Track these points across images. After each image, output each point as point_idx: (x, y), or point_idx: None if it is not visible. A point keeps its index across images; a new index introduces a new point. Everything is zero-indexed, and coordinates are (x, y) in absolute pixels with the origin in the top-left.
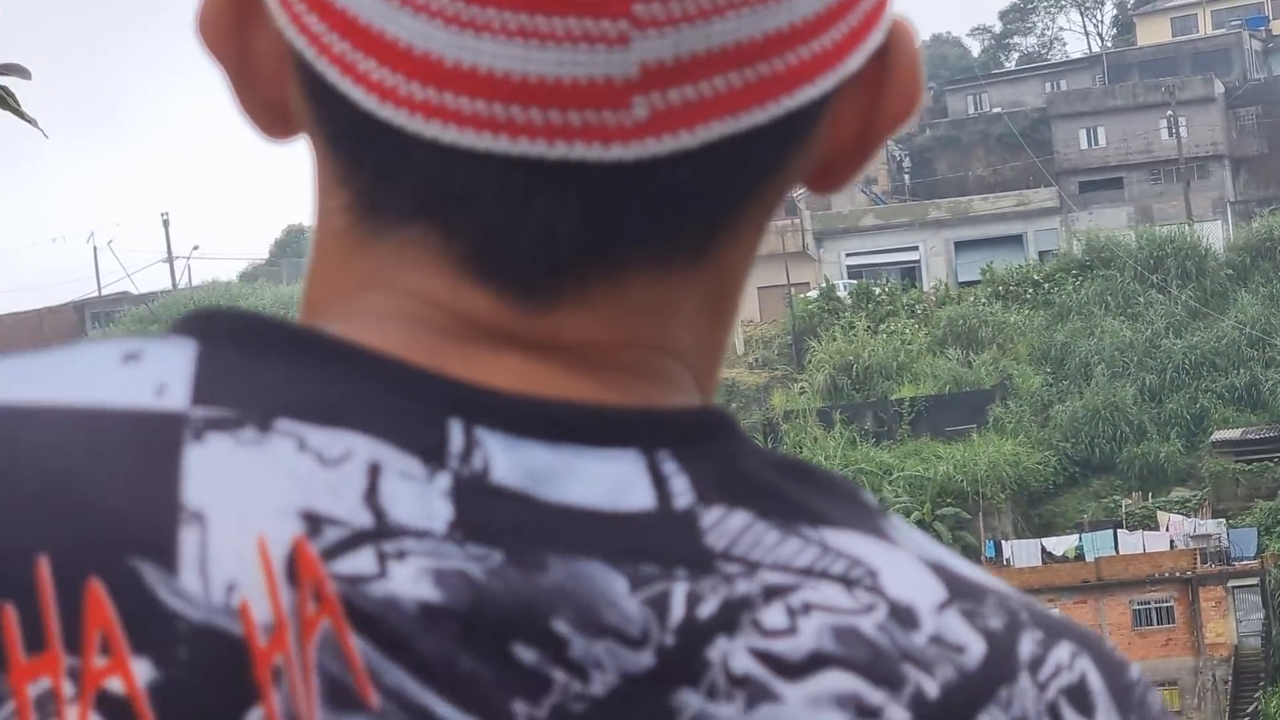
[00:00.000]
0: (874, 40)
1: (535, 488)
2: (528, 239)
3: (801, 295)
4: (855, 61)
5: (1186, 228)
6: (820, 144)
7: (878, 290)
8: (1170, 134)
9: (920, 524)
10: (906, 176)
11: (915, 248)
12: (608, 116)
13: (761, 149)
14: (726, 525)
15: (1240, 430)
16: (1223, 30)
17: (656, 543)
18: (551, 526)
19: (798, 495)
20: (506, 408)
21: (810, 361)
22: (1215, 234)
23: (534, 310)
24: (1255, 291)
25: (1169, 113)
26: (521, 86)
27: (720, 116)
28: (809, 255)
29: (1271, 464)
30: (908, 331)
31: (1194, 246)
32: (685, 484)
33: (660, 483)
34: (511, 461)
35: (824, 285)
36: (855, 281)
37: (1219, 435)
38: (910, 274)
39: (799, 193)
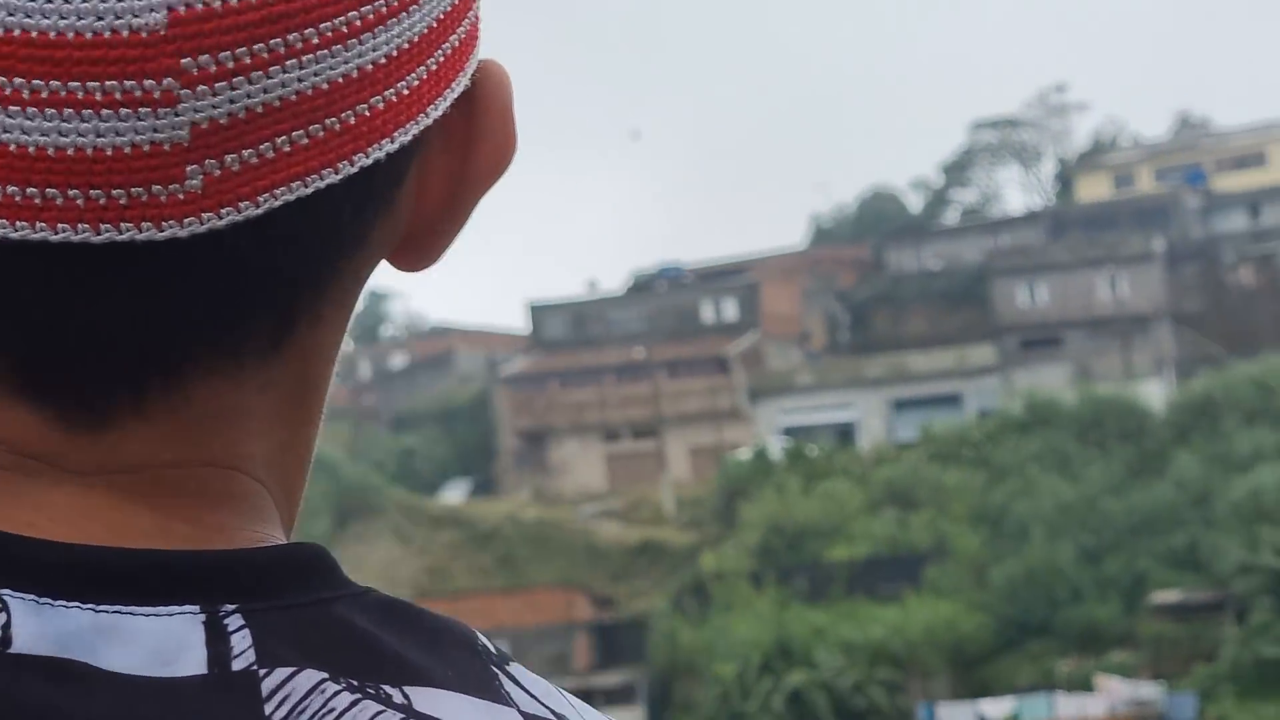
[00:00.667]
0: (460, 85)
1: (70, 656)
2: (74, 344)
3: (733, 455)
4: (438, 110)
5: (1126, 387)
6: (406, 208)
7: (813, 450)
8: (1111, 291)
9: (855, 687)
10: (844, 332)
11: (852, 406)
12: (159, 190)
13: (338, 216)
14: (291, 688)
15: (1180, 592)
16: (1162, 187)
17: (206, 714)
18: (86, 702)
19: (393, 648)
20: (40, 565)
21: (742, 522)
22: (1155, 393)
23: (87, 430)
24: (1195, 452)
25: (1109, 270)
26: (57, 163)
27: (286, 181)
28: (742, 414)
29: (1211, 627)
30: (843, 492)
31: (1133, 406)
32: (247, 642)
33: (218, 641)
34: (42, 628)
35: (757, 445)
36: (789, 441)
37: (1158, 597)
38: (846, 433)
39: (732, 350)
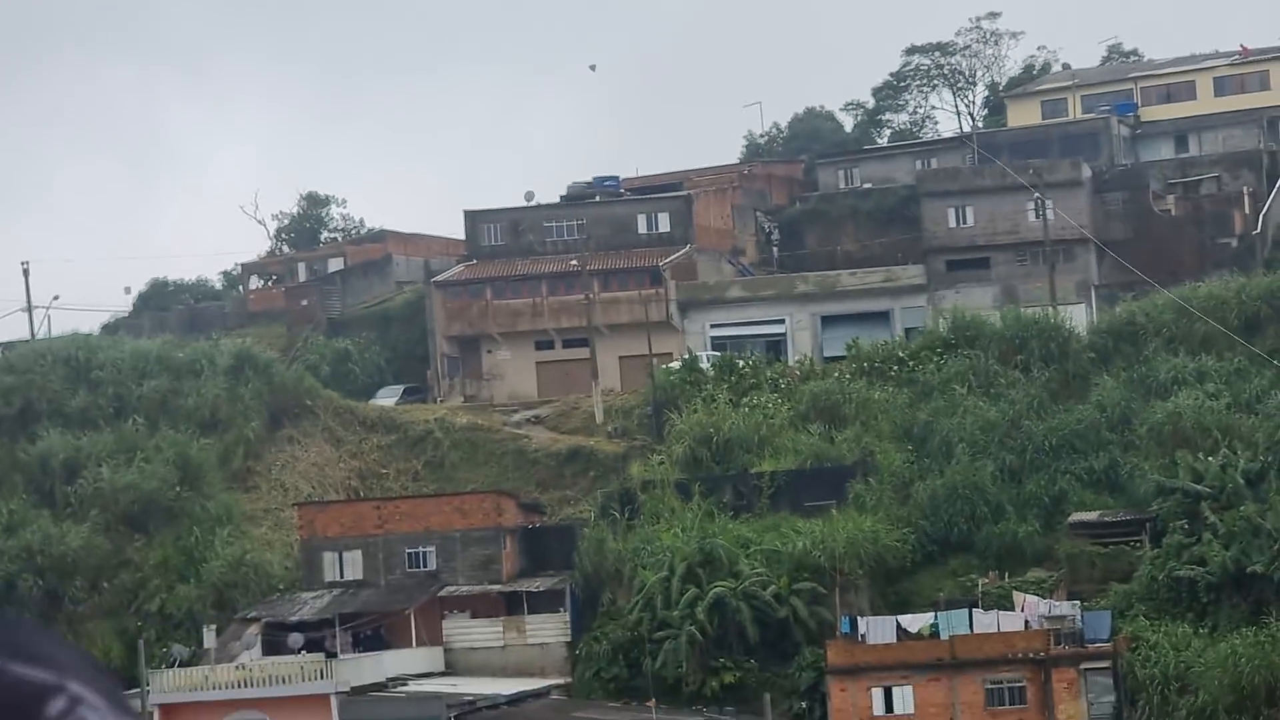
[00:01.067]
0: None
1: None
2: None
3: (663, 366)
4: None
5: (1051, 310)
6: None
7: (741, 363)
8: (1037, 216)
9: (777, 597)
10: (775, 249)
11: (781, 321)
12: None
13: None
14: None
15: (1098, 513)
16: (1092, 115)
17: None
18: None
19: None
20: None
21: (670, 433)
22: (1079, 317)
23: None
24: (1116, 375)
25: (1036, 195)
26: None
27: None
28: (673, 325)
29: (1127, 547)
30: (770, 405)
31: (1057, 329)
32: None
33: None
34: None
35: (687, 356)
36: (719, 353)
37: (1076, 517)
38: (775, 346)
39: (665, 262)
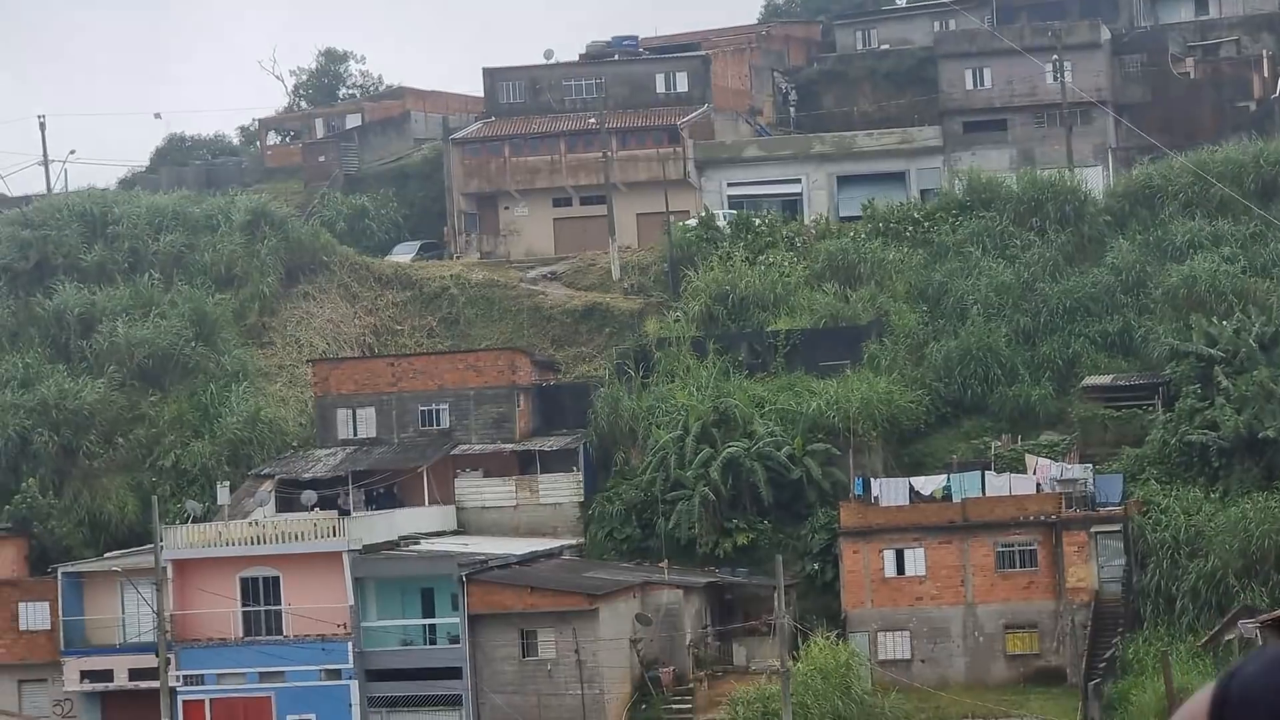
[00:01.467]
0: None
1: None
2: None
3: (680, 223)
4: None
5: (1067, 173)
6: None
7: (757, 221)
8: (1055, 78)
9: (791, 458)
10: (791, 109)
11: (798, 180)
12: None
13: None
14: None
15: (1111, 376)
16: None
17: None
18: None
19: None
20: None
21: (686, 290)
22: (1095, 180)
23: None
24: (1132, 238)
25: (1055, 57)
26: None
27: None
28: (690, 184)
29: (1140, 410)
30: (786, 264)
31: (1074, 192)
32: None
33: None
34: None
35: (703, 214)
36: (735, 212)
37: (1090, 380)
38: (791, 206)
39: (683, 121)
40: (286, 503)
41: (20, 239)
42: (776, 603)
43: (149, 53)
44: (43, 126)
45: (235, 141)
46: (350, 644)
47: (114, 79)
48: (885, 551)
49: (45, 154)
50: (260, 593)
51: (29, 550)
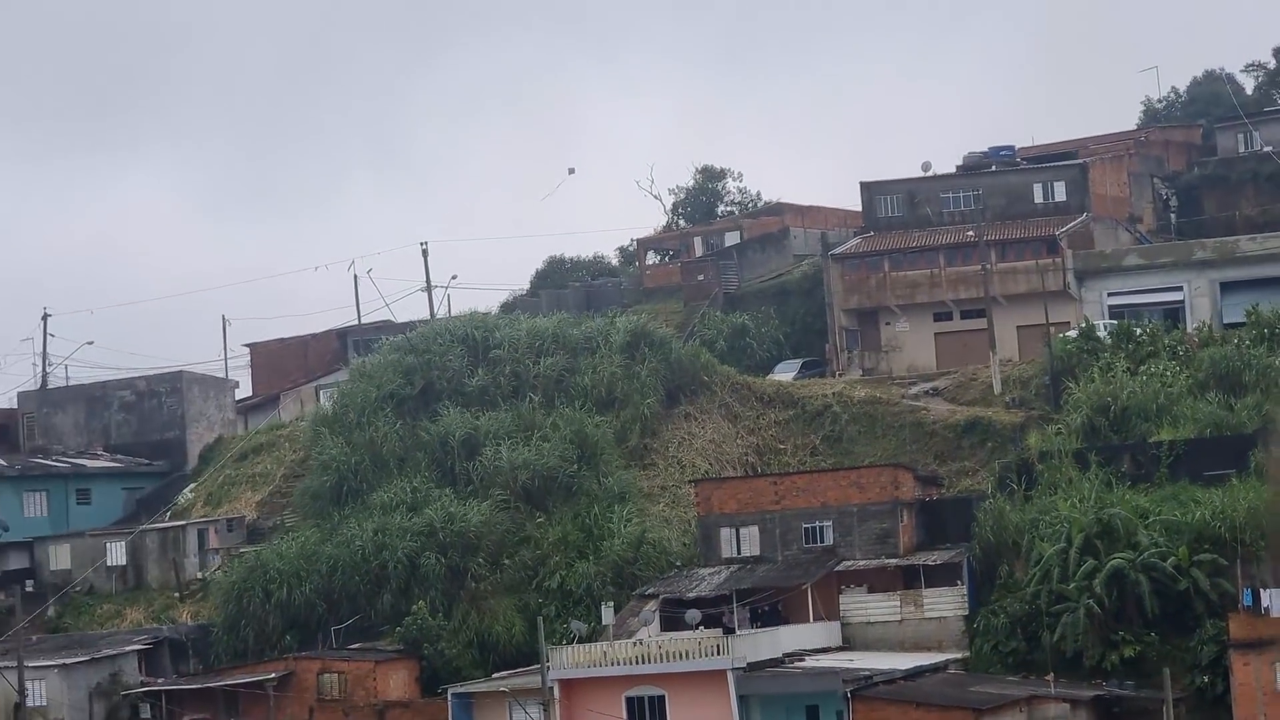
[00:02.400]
0: None
1: None
2: None
3: (1061, 335)
4: None
5: None
6: None
7: (1139, 331)
8: None
9: (1177, 569)
10: (1172, 215)
11: (1179, 288)
12: None
13: None
14: None
15: None
16: None
17: None
18: None
19: None
20: None
21: (1068, 402)
22: None
23: None
24: None
25: None
26: None
27: None
28: (1070, 294)
29: None
30: (1168, 373)
31: None
32: None
33: None
34: None
35: (1084, 325)
36: (1116, 321)
37: None
38: (1173, 315)
39: (1061, 230)
40: (671, 622)
41: (406, 365)
42: (1165, 716)
43: (533, 177)
44: (425, 253)
45: (614, 262)
46: None
47: (496, 204)
48: (1277, 664)
49: (428, 280)
50: (646, 711)
51: (420, 672)
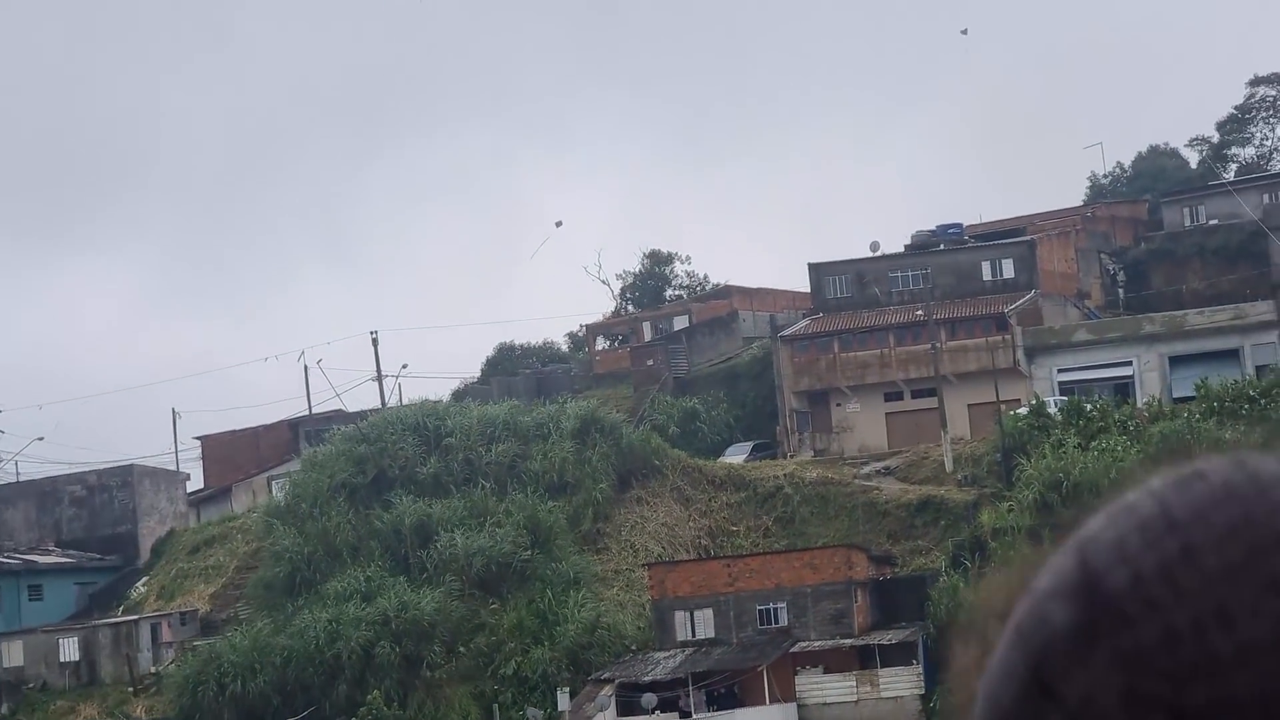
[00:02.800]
0: None
1: None
2: None
3: (1011, 412)
4: None
5: None
6: None
7: (1089, 406)
8: None
9: None
10: (1120, 290)
11: (1129, 363)
12: None
13: None
14: None
15: None
16: None
17: None
18: None
19: None
20: None
21: (1020, 478)
22: None
23: None
24: None
25: None
26: None
27: None
28: (1020, 371)
29: None
30: (1120, 448)
31: None
32: None
33: None
34: None
35: (1034, 401)
36: (1066, 397)
37: None
38: (1123, 389)
39: (1010, 308)
40: (627, 706)
41: (358, 454)
42: None
43: (480, 264)
44: (375, 343)
45: (564, 348)
46: None
47: (446, 293)
48: None
49: (379, 369)
50: None
51: None
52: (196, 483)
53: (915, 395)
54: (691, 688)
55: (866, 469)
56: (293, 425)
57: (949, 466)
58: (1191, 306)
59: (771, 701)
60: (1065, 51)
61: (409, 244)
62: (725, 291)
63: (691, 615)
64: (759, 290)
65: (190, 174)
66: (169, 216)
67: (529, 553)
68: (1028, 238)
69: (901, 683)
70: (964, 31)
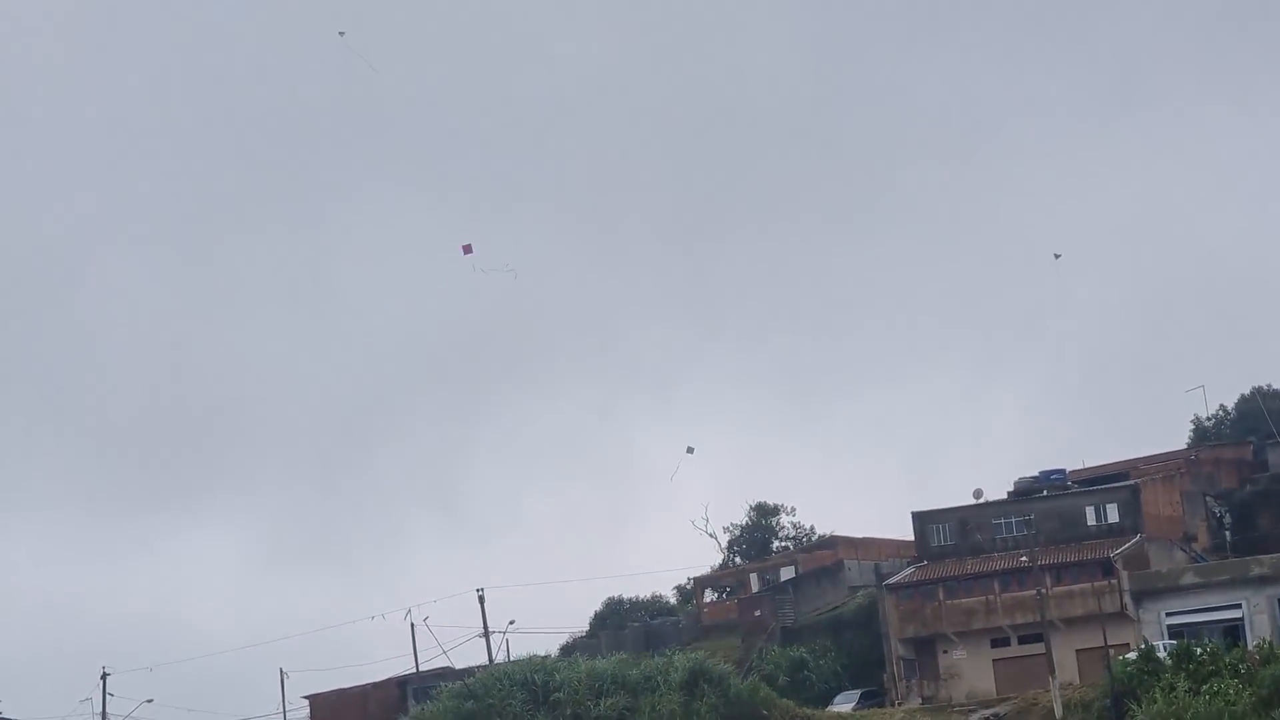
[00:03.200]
0: None
1: None
2: None
3: (1120, 657)
4: None
5: None
6: None
7: (1199, 650)
8: None
9: None
10: (1227, 533)
11: (1238, 605)
12: None
13: None
14: None
15: None
16: None
17: None
18: None
19: None
20: None
21: None
22: None
23: None
24: None
25: None
26: None
27: None
28: (1127, 615)
29: None
30: (1232, 691)
31: None
32: None
33: None
34: None
35: (1143, 646)
36: (1175, 641)
37: None
38: (1233, 632)
39: (1116, 552)
40: None
41: (466, 711)
42: None
43: (589, 522)
44: (481, 600)
45: (672, 601)
46: None
47: (553, 548)
48: None
49: (486, 626)
50: None
51: None
52: None
53: (1022, 641)
54: None
55: (975, 715)
56: (400, 683)
57: (1059, 712)
58: None
59: None
60: (1160, 287)
61: (516, 499)
62: (830, 541)
63: None
64: (863, 540)
65: (298, 431)
66: (277, 474)
67: None
68: (1131, 482)
69: None
70: (1057, 255)
